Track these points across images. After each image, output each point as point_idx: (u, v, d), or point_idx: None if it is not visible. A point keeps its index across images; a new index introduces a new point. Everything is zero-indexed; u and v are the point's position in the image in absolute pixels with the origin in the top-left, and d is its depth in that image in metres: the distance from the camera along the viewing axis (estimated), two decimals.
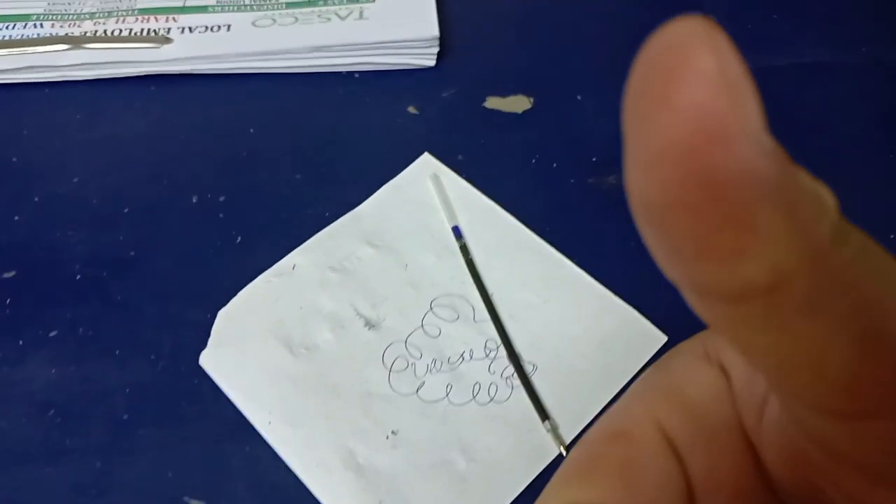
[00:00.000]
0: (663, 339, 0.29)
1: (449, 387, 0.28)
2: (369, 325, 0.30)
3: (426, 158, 0.34)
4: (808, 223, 0.09)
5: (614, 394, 0.28)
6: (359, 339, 0.29)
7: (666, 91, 0.08)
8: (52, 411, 0.28)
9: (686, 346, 0.15)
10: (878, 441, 0.10)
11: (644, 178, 0.09)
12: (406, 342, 0.29)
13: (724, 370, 0.14)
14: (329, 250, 0.32)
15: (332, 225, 0.32)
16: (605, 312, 0.30)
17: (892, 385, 0.09)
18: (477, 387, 0.28)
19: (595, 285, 0.30)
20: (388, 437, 0.27)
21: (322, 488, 0.26)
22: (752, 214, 0.08)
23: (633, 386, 0.15)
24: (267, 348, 0.29)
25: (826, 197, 0.09)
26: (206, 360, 0.29)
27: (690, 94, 0.08)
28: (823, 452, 0.12)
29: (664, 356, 0.15)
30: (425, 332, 0.29)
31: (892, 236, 0.32)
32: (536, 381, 0.28)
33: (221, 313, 0.30)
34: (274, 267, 0.31)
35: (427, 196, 0.33)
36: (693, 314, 0.10)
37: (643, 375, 0.15)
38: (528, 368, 0.28)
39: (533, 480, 0.26)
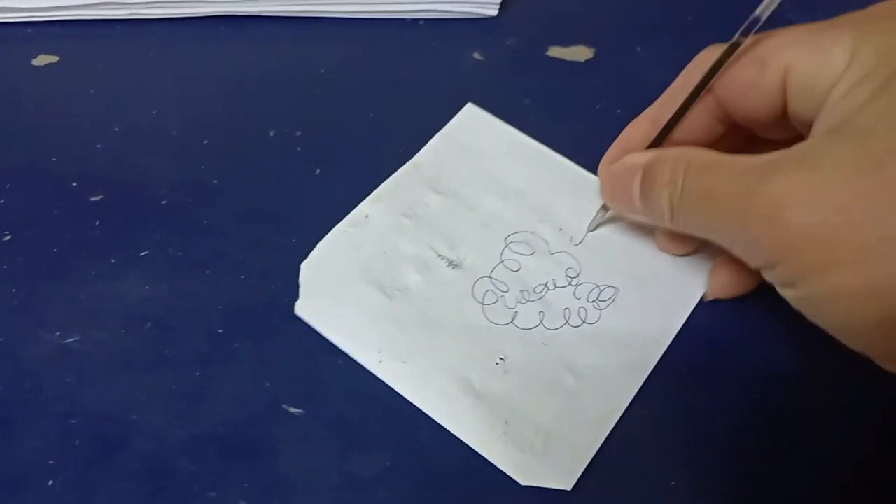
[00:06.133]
0: None
1: (541, 314, 0.29)
2: (452, 264, 0.31)
3: (470, 108, 0.35)
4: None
5: (694, 303, 0.30)
6: (446, 277, 0.30)
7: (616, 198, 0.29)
8: (148, 324, 0.29)
9: (749, 51, 0.25)
10: None
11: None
12: (491, 277, 0.30)
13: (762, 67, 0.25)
14: (397, 199, 0.32)
15: (393, 175, 0.33)
16: None
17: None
18: (567, 312, 0.29)
19: None
20: (497, 364, 0.28)
21: (447, 416, 0.27)
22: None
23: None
24: (361, 293, 0.29)
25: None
26: (302, 310, 0.29)
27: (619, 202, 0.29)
28: None
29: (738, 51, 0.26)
30: (506, 267, 0.31)
31: None
32: (619, 299, 0.30)
33: (304, 265, 0.30)
34: (347, 218, 0.32)
35: (479, 143, 0.34)
36: None
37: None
38: (609, 293, 0.30)
39: (639, 390, 0.28)
